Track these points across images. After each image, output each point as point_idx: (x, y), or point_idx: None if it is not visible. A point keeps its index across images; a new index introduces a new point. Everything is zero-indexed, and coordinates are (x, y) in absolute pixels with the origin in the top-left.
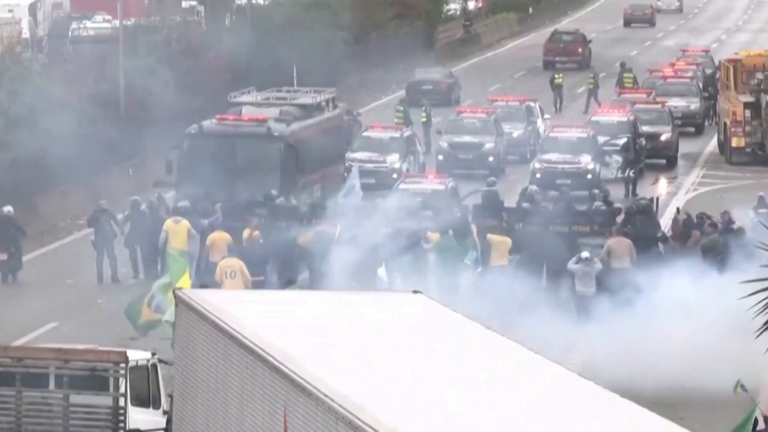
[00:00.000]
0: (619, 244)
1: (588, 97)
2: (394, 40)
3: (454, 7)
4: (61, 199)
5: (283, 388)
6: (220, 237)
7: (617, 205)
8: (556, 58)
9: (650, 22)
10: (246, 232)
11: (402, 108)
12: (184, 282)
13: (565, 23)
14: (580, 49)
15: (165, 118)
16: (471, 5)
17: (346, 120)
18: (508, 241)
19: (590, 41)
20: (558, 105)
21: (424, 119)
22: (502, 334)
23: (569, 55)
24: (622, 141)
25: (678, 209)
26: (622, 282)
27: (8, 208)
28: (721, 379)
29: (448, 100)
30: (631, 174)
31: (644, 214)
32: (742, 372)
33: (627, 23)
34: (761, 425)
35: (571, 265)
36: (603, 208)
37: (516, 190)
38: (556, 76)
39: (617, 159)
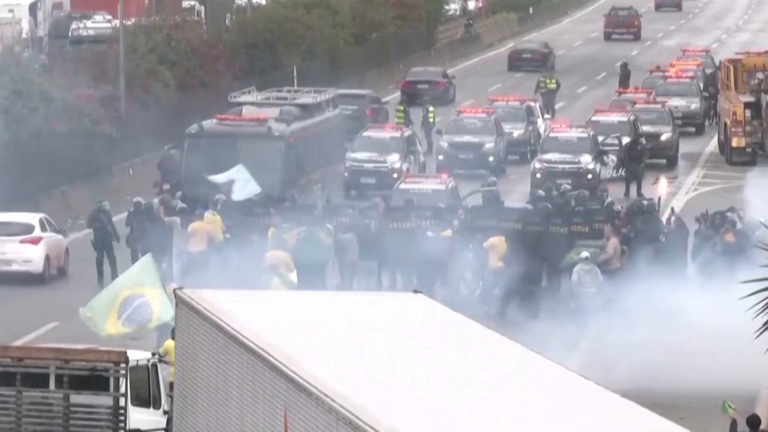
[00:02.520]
0: (617, 243)
1: (545, 100)
2: (394, 40)
3: (454, 8)
4: (61, 199)
5: (283, 387)
6: (200, 227)
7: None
8: (615, 30)
9: (678, 7)
10: (270, 231)
11: (402, 108)
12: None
13: (565, 23)
14: (636, 22)
15: (165, 118)
16: (471, 5)
17: (442, 82)
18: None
19: (641, 15)
20: (548, 111)
21: (424, 119)
22: (503, 334)
23: (627, 27)
24: (615, 140)
25: (672, 209)
26: (623, 281)
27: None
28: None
29: (544, 65)
30: (623, 173)
31: (647, 214)
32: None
33: (657, 8)
34: (764, 425)
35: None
36: (597, 207)
37: (516, 190)
38: (542, 79)
39: (613, 159)
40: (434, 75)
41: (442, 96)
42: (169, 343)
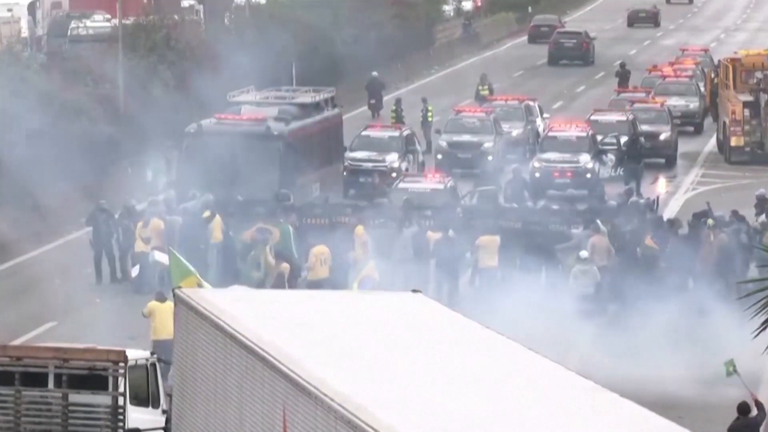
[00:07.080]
0: (600, 241)
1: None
2: (394, 40)
3: (448, 9)
4: (61, 199)
5: (282, 387)
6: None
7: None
8: None
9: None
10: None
11: (395, 107)
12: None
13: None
14: None
15: (165, 118)
16: (469, 5)
17: (558, 25)
18: (496, 239)
19: None
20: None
21: (423, 118)
22: (502, 334)
23: None
24: (613, 140)
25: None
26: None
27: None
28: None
29: (656, 23)
30: (621, 172)
31: (643, 212)
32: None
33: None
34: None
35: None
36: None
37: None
38: (479, 84)
39: (611, 158)
40: (552, 21)
41: None
42: (152, 304)
